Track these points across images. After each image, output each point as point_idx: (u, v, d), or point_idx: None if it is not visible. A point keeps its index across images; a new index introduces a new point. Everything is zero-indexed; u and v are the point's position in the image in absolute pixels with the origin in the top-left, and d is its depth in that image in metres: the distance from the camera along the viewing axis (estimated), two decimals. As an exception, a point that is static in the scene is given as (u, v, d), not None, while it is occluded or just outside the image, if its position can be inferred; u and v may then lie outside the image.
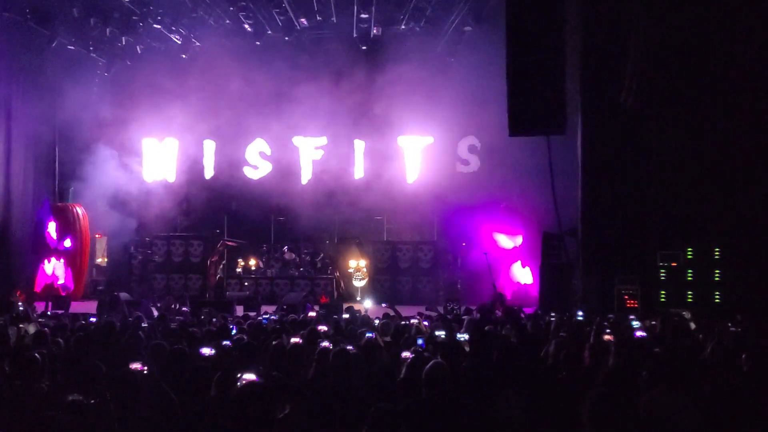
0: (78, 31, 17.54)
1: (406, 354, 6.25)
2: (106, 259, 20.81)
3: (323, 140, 20.37)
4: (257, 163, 20.60)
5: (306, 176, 20.50)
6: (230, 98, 20.47)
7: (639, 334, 8.10)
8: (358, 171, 20.26)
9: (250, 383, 3.83)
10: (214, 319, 10.42)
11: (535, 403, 4.84)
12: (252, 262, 19.40)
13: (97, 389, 4.29)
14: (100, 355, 5.86)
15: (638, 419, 4.15)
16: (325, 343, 6.55)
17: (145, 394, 4.59)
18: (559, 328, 8.71)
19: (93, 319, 9.84)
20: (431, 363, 4.88)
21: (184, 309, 13.08)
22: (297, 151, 20.53)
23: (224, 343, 7.14)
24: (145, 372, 4.75)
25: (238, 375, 4.49)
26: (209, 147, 20.80)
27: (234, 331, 8.32)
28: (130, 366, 4.74)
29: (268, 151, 20.60)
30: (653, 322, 9.26)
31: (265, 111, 19.97)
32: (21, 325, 8.91)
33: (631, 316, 10.44)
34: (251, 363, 5.91)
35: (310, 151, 20.49)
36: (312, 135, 20.36)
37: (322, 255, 19.94)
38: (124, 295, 14.87)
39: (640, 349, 6.39)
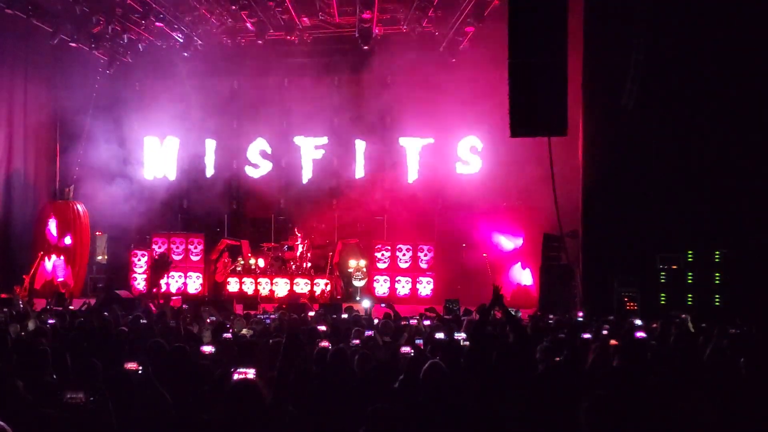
0: (80, 28, 17.52)
1: (405, 349, 6.24)
2: (106, 257, 20.81)
3: (324, 140, 20.37)
4: (258, 161, 20.62)
5: (307, 176, 20.50)
6: (231, 97, 20.50)
7: (639, 334, 8.11)
8: (359, 171, 20.26)
9: (244, 380, 3.81)
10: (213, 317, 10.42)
11: (534, 404, 4.84)
12: (252, 260, 19.37)
13: (95, 387, 4.27)
14: (96, 352, 5.85)
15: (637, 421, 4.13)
16: (324, 343, 6.57)
17: (140, 394, 4.57)
18: (558, 330, 8.72)
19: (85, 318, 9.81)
20: (428, 363, 4.87)
21: (185, 306, 13.09)
22: (298, 151, 20.53)
23: (225, 336, 7.16)
24: (140, 372, 4.73)
25: (232, 369, 4.48)
26: (210, 145, 20.82)
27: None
28: (125, 365, 4.72)
29: (269, 150, 20.62)
30: (654, 325, 9.27)
31: (266, 110, 19.99)
32: (21, 322, 8.90)
33: (633, 318, 10.45)
34: (251, 360, 5.91)
35: (310, 151, 20.50)
36: (313, 135, 20.37)
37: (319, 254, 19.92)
38: (120, 293, 14.93)
39: (641, 349, 6.39)
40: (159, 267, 17.00)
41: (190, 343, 6.83)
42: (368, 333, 7.91)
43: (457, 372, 5.51)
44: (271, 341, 6.84)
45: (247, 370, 4.37)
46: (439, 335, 7.44)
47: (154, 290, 15.94)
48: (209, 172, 20.84)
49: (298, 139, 20.45)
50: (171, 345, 6.19)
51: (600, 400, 3.63)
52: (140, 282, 19.48)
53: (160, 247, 19.30)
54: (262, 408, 3.61)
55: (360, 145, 20.23)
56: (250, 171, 20.64)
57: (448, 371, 4.93)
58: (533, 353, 6.14)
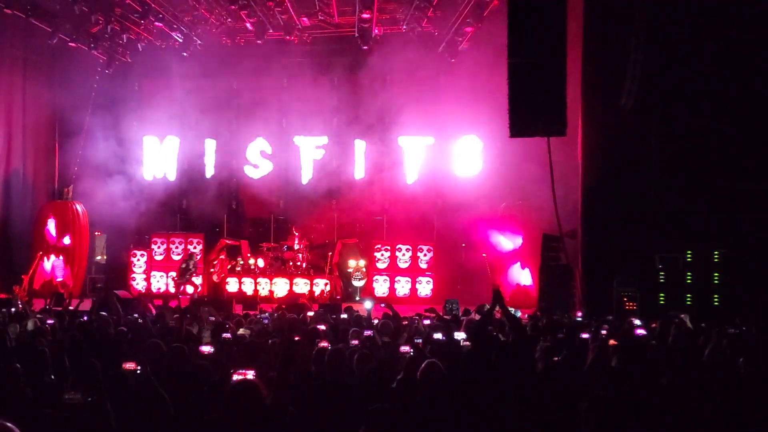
0: (79, 27, 17.53)
1: (405, 348, 6.24)
2: (105, 257, 20.82)
3: (324, 140, 20.39)
4: (257, 162, 20.61)
5: (306, 176, 20.50)
6: (230, 97, 20.49)
7: (639, 332, 8.12)
8: (358, 171, 20.26)
9: (244, 380, 3.80)
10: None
11: (532, 404, 4.82)
12: (251, 261, 19.36)
13: (94, 387, 4.27)
14: (95, 353, 5.85)
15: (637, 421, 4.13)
16: (324, 343, 6.57)
17: (138, 394, 4.57)
18: (557, 330, 8.72)
19: (86, 318, 9.82)
20: (426, 362, 4.85)
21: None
22: (297, 151, 20.53)
23: (224, 335, 7.17)
24: (138, 371, 4.72)
25: (232, 371, 4.47)
26: (210, 145, 20.81)
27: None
28: (123, 365, 4.72)
29: (268, 150, 20.61)
30: (653, 325, 9.27)
31: (266, 110, 19.99)
32: (20, 322, 8.89)
33: (632, 318, 10.46)
34: (251, 361, 5.90)
35: (310, 151, 20.50)
36: (312, 135, 20.39)
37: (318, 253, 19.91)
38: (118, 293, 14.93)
39: (640, 348, 6.40)
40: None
41: (189, 343, 6.83)
42: (367, 333, 7.93)
43: (456, 372, 5.50)
44: (270, 341, 6.84)
45: (247, 372, 4.35)
46: (437, 335, 7.43)
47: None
48: (208, 172, 20.84)
49: (298, 139, 20.45)
50: (169, 345, 6.20)
51: (599, 401, 3.63)
52: (139, 282, 19.49)
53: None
54: (262, 408, 3.60)
55: (359, 145, 20.23)
56: (250, 171, 20.63)
57: (446, 371, 4.92)
58: (533, 353, 6.14)
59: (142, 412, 4.47)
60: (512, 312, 6.86)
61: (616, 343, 6.17)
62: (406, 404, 4.62)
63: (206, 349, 6.04)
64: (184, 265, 18.03)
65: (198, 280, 19.07)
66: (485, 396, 4.88)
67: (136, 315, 10.40)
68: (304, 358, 6.09)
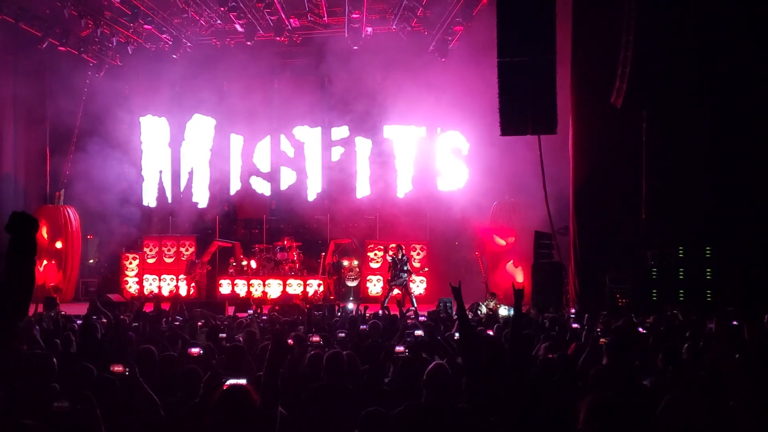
0: (68, 31, 17.47)
1: (399, 348, 6.24)
2: (97, 261, 20.76)
3: (315, 140, 20.37)
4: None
5: (298, 176, 20.48)
6: (221, 99, 20.44)
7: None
8: (351, 170, 20.25)
9: (235, 384, 3.78)
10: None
11: (529, 404, 4.81)
12: (244, 262, 19.31)
13: (84, 394, 4.22)
14: (87, 357, 5.81)
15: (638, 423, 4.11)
16: (315, 338, 6.60)
17: (126, 397, 4.53)
18: (551, 327, 8.75)
19: (80, 322, 9.76)
20: (433, 365, 4.76)
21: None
22: (289, 151, 20.51)
23: (221, 335, 7.20)
24: (127, 373, 4.69)
25: (223, 380, 4.45)
26: (201, 146, 20.76)
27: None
28: (112, 368, 4.69)
29: (263, 151, 20.58)
30: (647, 321, 9.30)
31: (256, 111, 19.97)
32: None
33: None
34: (242, 364, 5.88)
35: (300, 151, 20.48)
36: (302, 135, 20.37)
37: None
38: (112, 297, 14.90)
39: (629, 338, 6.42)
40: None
41: (180, 346, 6.81)
42: (363, 327, 7.96)
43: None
44: (260, 345, 6.83)
45: (239, 381, 4.32)
46: (418, 332, 7.43)
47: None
48: (199, 173, 20.79)
49: (288, 140, 20.43)
50: (162, 349, 6.17)
51: (601, 401, 3.58)
52: (131, 286, 19.43)
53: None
54: (252, 411, 3.59)
55: (351, 145, 20.23)
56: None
57: (452, 374, 4.84)
58: (525, 352, 6.11)
59: (132, 416, 4.44)
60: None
61: (606, 341, 6.16)
62: (406, 407, 4.53)
63: (195, 350, 5.99)
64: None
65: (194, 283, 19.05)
66: (478, 395, 4.86)
67: (130, 317, 10.34)
68: (294, 361, 6.07)
